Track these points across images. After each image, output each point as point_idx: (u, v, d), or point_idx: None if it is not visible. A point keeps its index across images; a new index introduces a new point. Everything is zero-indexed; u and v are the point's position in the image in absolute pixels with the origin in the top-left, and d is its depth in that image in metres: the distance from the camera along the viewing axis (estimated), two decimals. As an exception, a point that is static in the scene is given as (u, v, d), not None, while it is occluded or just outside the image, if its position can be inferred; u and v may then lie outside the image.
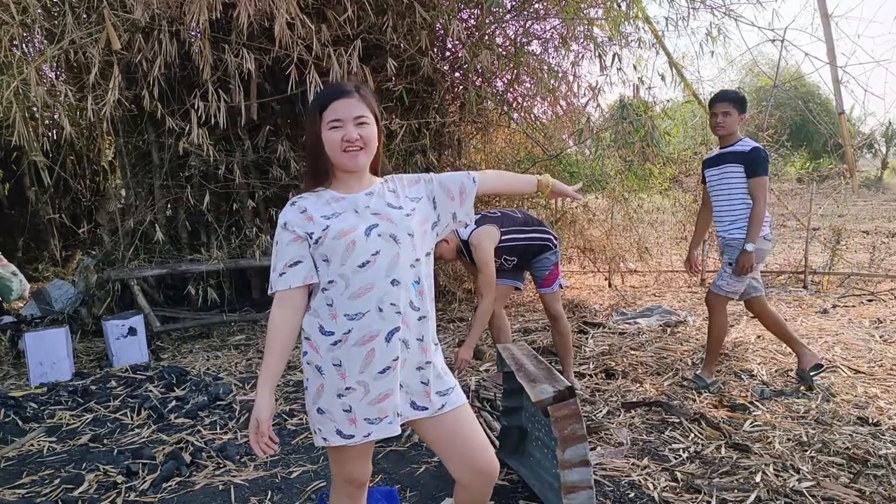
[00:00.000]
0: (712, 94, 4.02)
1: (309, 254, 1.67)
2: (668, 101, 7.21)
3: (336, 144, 1.67)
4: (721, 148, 3.86)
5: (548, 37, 6.65)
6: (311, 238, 1.65)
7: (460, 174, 1.87)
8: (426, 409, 1.73)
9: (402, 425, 1.72)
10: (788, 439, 3.09)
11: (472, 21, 6.33)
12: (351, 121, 1.67)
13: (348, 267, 1.64)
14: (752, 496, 2.56)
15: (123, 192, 6.57)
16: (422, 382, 1.73)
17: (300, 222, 1.67)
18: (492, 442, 3.13)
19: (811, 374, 3.81)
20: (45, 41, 5.24)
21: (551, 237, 3.89)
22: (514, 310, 6.43)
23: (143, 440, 3.39)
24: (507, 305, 6.60)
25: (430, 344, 1.75)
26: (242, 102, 5.15)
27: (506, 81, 6.70)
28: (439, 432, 1.75)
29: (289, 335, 1.68)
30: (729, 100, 3.75)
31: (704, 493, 2.60)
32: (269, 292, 1.70)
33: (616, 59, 5.78)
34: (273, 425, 3.64)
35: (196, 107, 4.86)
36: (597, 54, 5.83)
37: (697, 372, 4.04)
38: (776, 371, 4.13)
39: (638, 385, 3.99)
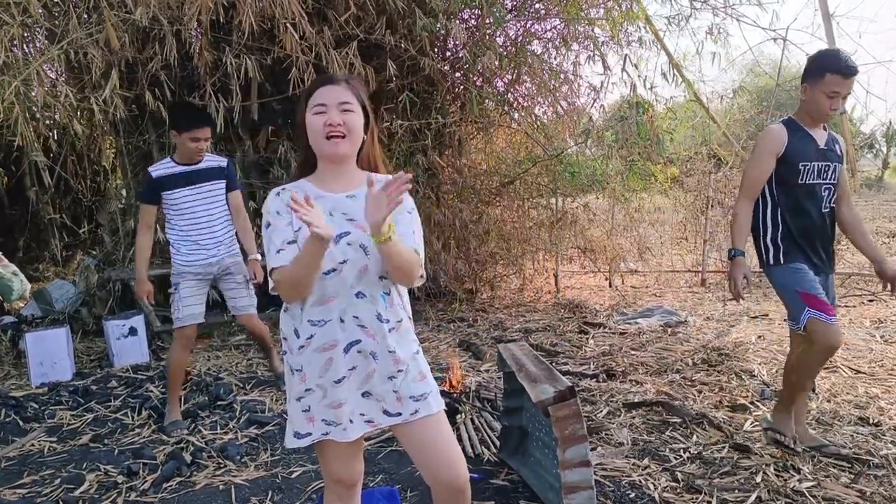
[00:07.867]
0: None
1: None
2: (670, 98, 7.19)
3: (319, 130, 1.63)
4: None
5: (549, 37, 6.65)
6: (293, 227, 1.65)
7: (413, 247, 1.68)
8: (399, 414, 1.69)
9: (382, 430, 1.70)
10: (789, 439, 3.09)
11: (472, 21, 6.33)
12: (335, 106, 1.64)
13: None
14: (753, 496, 2.56)
15: (124, 192, 6.57)
16: (393, 391, 1.69)
17: (285, 213, 1.65)
18: (492, 442, 3.13)
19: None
20: (46, 41, 5.24)
21: None
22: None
23: (144, 440, 3.40)
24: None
25: (404, 354, 1.70)
26: (240, 103, 5.13)
27: (507, 81, 6.70)
28: (411, 438, 1.72)
29: None
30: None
31: (705, 494, 2.60)
32: (269, 270, 1.64)
33: (626, 61, 5.79)
34: (273, 425, 3.63)
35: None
36: (597, 54, 5.83)
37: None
38: (777, 371, 4.12)
39: (638, 385, 3.99)
